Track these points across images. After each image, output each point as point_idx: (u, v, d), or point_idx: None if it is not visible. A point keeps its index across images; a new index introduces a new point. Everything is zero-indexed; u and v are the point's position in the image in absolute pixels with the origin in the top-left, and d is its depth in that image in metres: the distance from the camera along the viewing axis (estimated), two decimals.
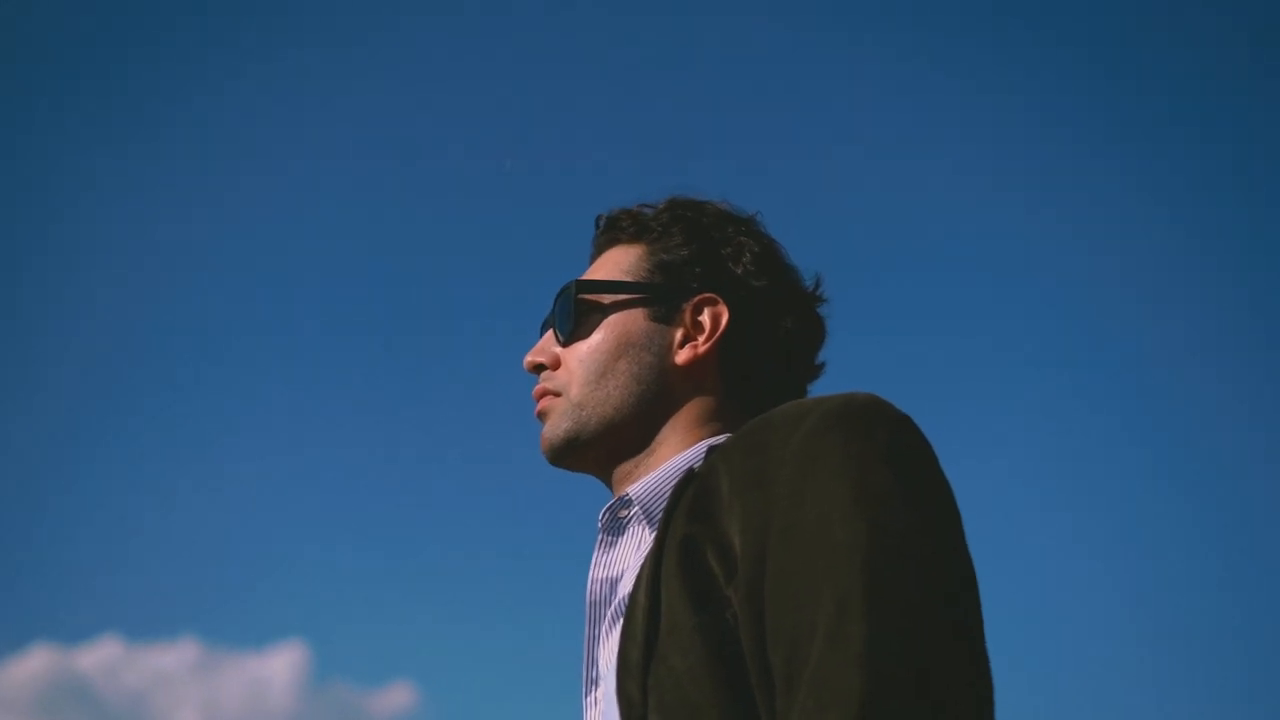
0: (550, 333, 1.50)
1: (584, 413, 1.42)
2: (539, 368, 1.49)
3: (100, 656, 9.29)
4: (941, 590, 1.06)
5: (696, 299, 1.45)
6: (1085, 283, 7.66)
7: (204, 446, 8.77)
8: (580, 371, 1.44)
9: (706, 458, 1.30)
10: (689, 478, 1.28)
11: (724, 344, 1.43)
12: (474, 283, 8.36)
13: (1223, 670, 6.59)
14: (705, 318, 1.44)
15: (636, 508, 1.35)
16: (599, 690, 1.29)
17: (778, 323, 1.47)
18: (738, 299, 1.45)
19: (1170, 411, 7.79)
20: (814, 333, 1.50)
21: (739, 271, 1.46)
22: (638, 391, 1.42)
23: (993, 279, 7.78)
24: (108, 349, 8.79)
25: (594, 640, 1.33)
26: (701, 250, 1.47)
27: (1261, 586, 7.02)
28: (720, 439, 1.38)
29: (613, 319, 1.45)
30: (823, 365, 1.52)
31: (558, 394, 1.45)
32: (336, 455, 8.75)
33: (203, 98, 8.19)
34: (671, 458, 1.39)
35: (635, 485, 1.37)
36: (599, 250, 1.55)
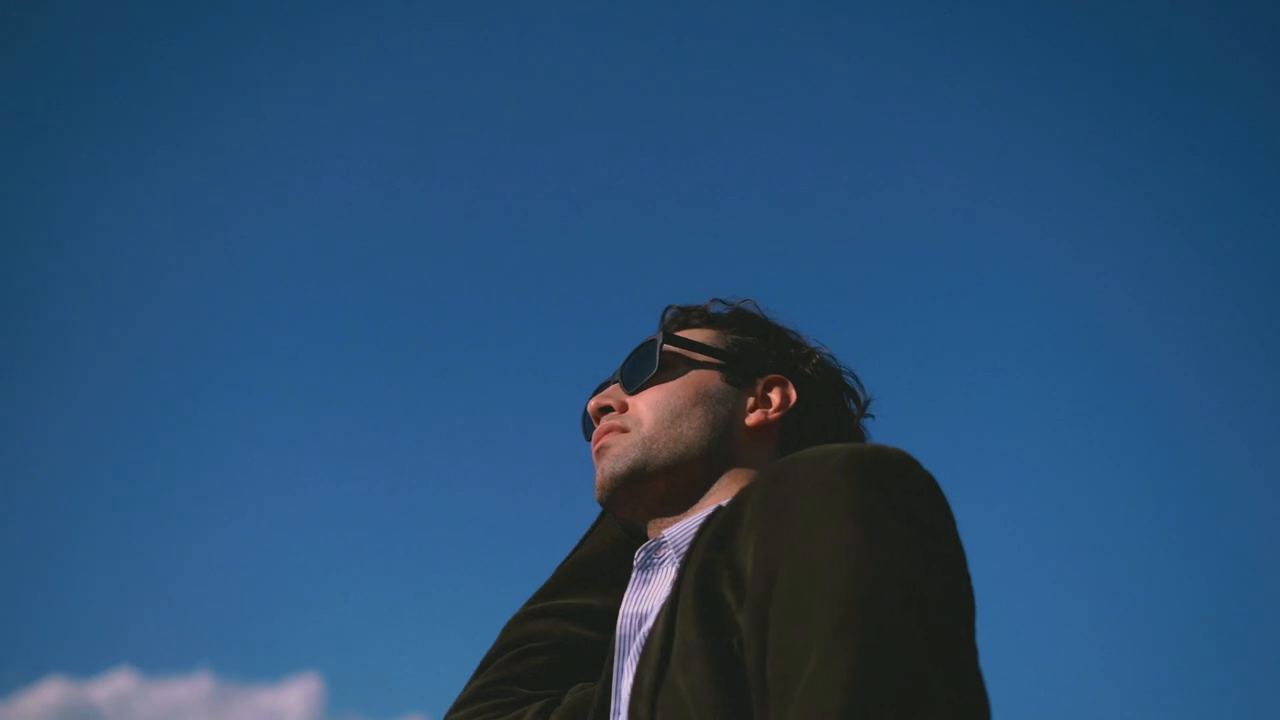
0: (614, 386, 1.58)
1: (655, 446, 1.48)
2: (605, 410, 1.55)
3: (113, 689, 9.28)
4: (937, 630, 1.10)
5: (769, 376, 1.57)
6: (1072, 289, 7.69)
7: (218, 480, 8.75)
8: (655, 411, 1.51)
9: (737, 494, 1.35)
10: (716, 512, 1.35)
11: (788, 421, 1.55)
12: (495, 318, 8.39)
13: (1209, 677, 6.61)
14: (775, 394, 1.56)
15: (670, 550, 1.42)
16: (619, 719, 1.33)
17: (834, 421, 1.59)
18: (804, 390, 1.57)
19: (1156, 417, 7.79)
20: (845, 415, 1.62)
21: (807, 371, 1.59)
22: (710, 437, 1.50)
23: (982, 284, 7.81)
24: (121, 382, 8.79)
25: (618, 672, 1.37)
26: (775, 342, 1.61)
27: (1243, 592, 7.03)
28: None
29: (693, 374, 1.55)
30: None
31: (625, 430, 1.51)
32: (352, 489, 8.74)
33: (219, 109, 8.22)
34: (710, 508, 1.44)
35: (672, 528, 1.43)
36: (687, 327, 1.63)
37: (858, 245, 8.10)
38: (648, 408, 1.52)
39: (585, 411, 1.62)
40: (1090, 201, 7.81)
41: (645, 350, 1.57)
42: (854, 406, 1.63)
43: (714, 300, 1.66)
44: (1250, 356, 7.67)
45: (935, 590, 1.13)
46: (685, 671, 1.18)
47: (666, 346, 1.56)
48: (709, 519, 1.34)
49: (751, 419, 1.53)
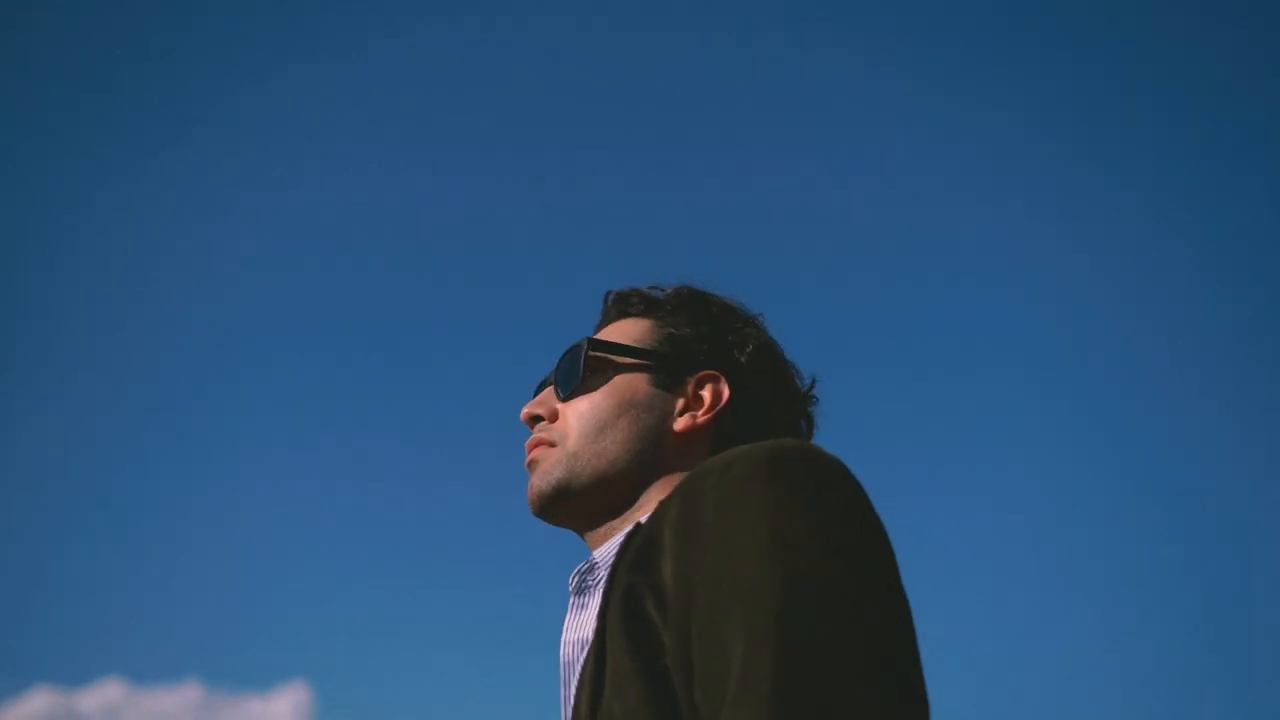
0: (549, 390, 1.54)
1: (579, 463, 1.45)
2: (536, 419, 1.52)
3: (102, 699, 9.24)
4: (858, 629, 1.06)
5: (700, 374, 1.51)
6: (1063, 290, 7.71)
7: (206, 489, 8.78)
8: (580, 424, 1.47)
9: (655, 509, 1.31)
10: (635, 530, 1.32)
11: (720, 420, 1.49)
12: (482, 323, 8.40)
13: (1198, 683, 6.62)
14: (706, 392, 1.50)
15: (603, 571, 1.38)
16: None
17: (772, 412, 1.53)
18: (738, 382, 1.51)
19: (1148, 421, 7.81)
20: (804, 429, 1.57)
21: (742, 360, 1.52)
22: (635, 449, 1.45)
23: (973, 287, 7.83)
24: (111, 388, 8.81)
25: (566, 701, 1.35)
26: (709, 332, 1.54)
27: (1237, 596, 7.04)
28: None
29: (618, 379, 1.50)
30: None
31: (553, 444, 1.48)
32: (339, 498, 8.78)
33: (231, 105, 8.23)
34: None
35: (601, 549, 1.40)
36: (607, 321, 1.61)
37: (855, 247, 8.11)
38: (575, 419, 1.48)
39: None
40: (1088, 203, 7.83)
41: (572, 355, 1.53)
42: (789, 391, 1.57)
43: (653, 287, 1.60)
44: (1248, 357, 7.68)
45: (853, 586, 1.09)
46: (619, 697, 1.16)
47: (592, 353, 1.51)
48: (629, 538, 1.32)
49: (680, 424, 1.48)
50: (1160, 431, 7.83)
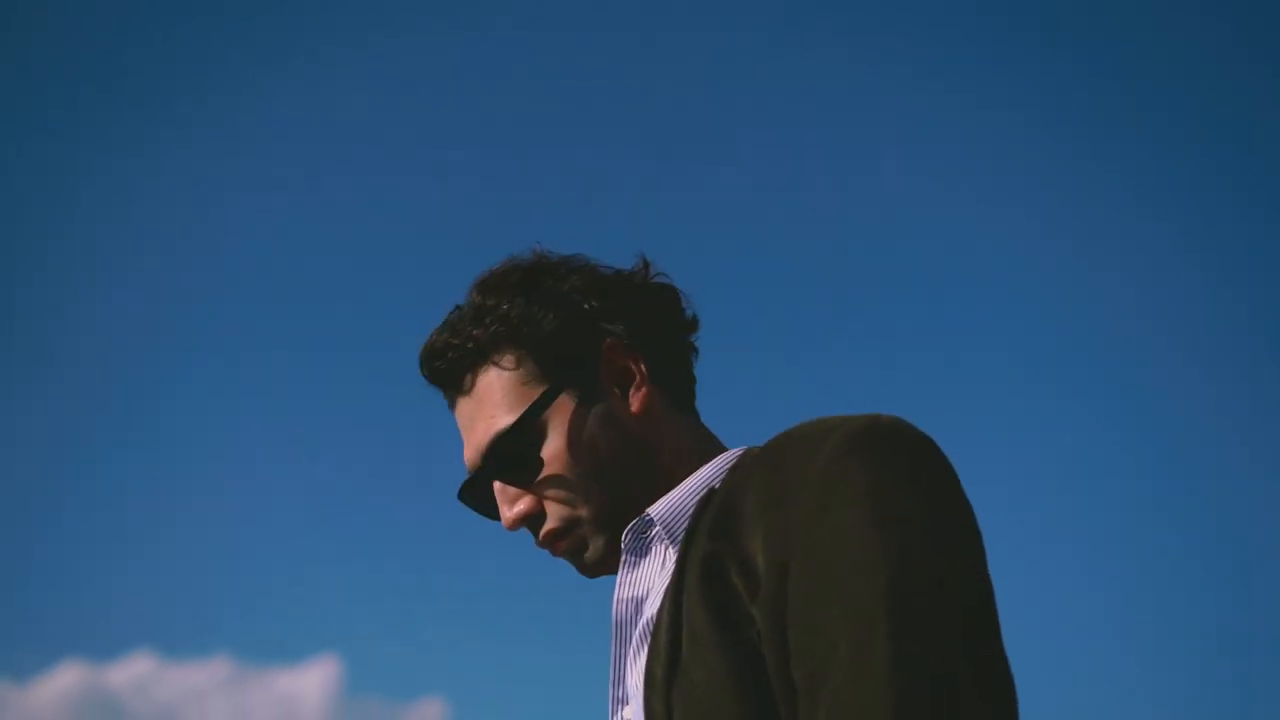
0: (503, 486, 1.42)
1: (603, 515, 1.38)
2: (527, 519, 1.41)
3: (132, 673, 9.30)
4: (962, 611, 1.09)
5: (603, 356, 1.41)
6: (1073, 289, 7.70)
7: (237, 461, 8.79)
8: (576, 493, 1.39)
9: (729, 475, 1.30)
10: (710, 496, 1.29)
11: (653, 370, 1.42)
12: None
13: (1211, 682, 6.62)
14: (618, 360, 1.41)
15: (658, 527, 1.35)
16: (626, 710, 1.31)
17: (650, 319, 1.44)
18: (631, 333, 1.42)
19: (1159, 421, 7.81)
20: (668, 301, 1.47)
21: (596, 305, 1.42)
22: (629, 462, 1.39)
23: (978, 287, 7.82)
24: (130, 359, 8.82)
25: (620, 660, 1.33)
26: (560, 315, 1.41)
27: (1248, 595, 7.04)
28: (736, 453, 1.37)
29: (555, 434, 1.38)
30: (694, 317, 1.48)
31: (568, 530, 1.40)
32: (371, 469, 8.72)
33: (218, 99, 8.19)
34: (687, 477, 1.37)
35: (656, 505, 1.35)
36: (474, 381, 1.43)
37: (852, 247, 8.12)
38: (565, 498, 1.39)
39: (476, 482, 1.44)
40: (1087, 203, 7.84)
41: (498, 456, 1.39)
42: (639, 294, 1.46)
43: (458, 318, 1.44)
44: (1253, 355, 7.68)
45: (954, 563, 1.12)
46: (700, 664, 1.16)
47: (508, 449, 1.39)
48: (703, 503, 1.28)
49: (635, 406, 1.39)
50: (1163, 430, 7.83)
